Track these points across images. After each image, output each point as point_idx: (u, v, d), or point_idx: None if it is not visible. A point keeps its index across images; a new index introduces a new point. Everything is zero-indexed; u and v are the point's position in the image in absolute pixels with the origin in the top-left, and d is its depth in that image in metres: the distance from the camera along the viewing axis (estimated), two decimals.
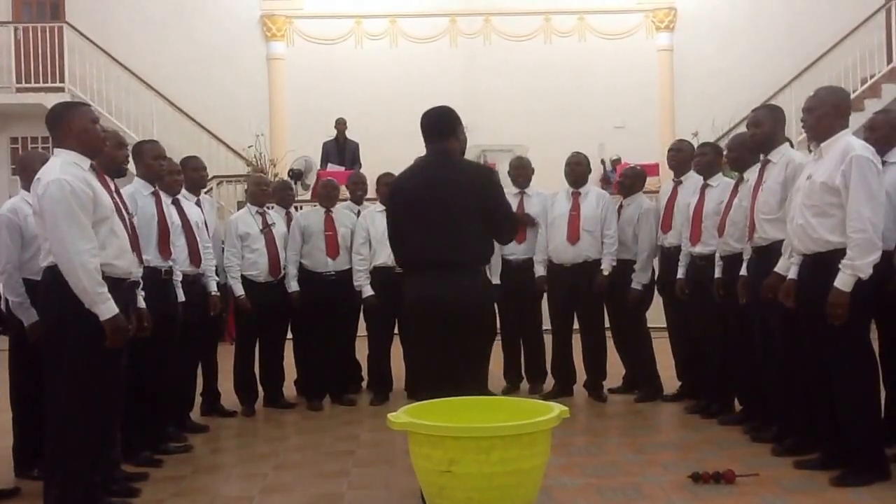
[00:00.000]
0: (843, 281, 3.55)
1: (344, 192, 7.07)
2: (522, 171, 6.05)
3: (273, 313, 5.74)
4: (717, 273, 4.86)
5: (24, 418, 4.13)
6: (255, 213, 5.78)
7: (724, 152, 4.97)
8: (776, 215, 4.15)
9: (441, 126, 3.64)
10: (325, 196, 6.02)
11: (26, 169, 4.21)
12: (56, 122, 3.46)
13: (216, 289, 5.28)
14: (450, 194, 3.49)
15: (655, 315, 5.87)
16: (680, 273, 5.28)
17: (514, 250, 5.88)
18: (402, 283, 5.67)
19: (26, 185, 4.19)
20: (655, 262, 5.76)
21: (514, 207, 5.42)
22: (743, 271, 4.49)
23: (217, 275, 5.43)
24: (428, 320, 3.50)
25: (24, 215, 4.07)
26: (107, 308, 3.27)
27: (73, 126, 3.43)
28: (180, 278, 4.74)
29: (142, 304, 3.88)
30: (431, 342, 3.54)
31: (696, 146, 5.61)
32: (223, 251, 5.83)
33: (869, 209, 3.55)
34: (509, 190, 5.42)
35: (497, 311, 4.84)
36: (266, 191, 5.92)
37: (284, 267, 5.78)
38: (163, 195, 4.72)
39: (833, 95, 3.86)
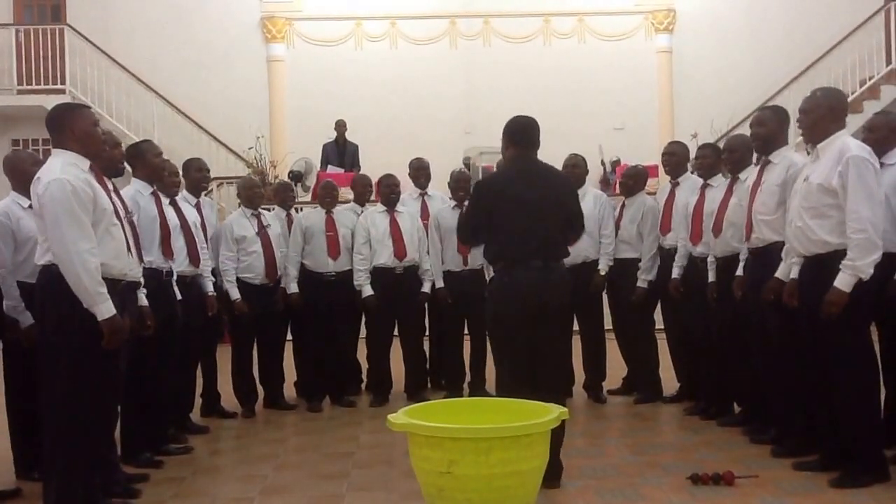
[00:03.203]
0: (844, 281, 3.56)
1: (345, 194, 7.08)
2: None
3: (270, 315, 5.72)
4: (711, 277, 4.87)
5: (22, 420, 4.13)
6: (250, 216, 5.75)
7: (724, 154, 4.96)
8: (774, 216, 4.16)
9: (535, 137, 3.96)
10: (325, 197, 6.01)
11: (16, 170, 4.19)
12: (58, 124, 3.46)
13: (212, 289, 5.29)
14: (546, 199, 3.85)
15: (657, 316, 5.88)
16: (675, 273, 5.31)
17: None
18: (401, 283, 5.80)
19: (16, 187, 4.18)
20: None
21: None
22: (739, 272, 4.50)
23: (215, 276, 5.44)
24: (529, 315, 3.72)
25: (16, 218, 4.05)
26: (105, 308, 3.28)
27: (75, 128, 3.44)
28: (175, 278, 4.74)
29: (144, 302, 3.89)
30: (521, 333, 3.74)
31: (695, 147, 5.62)
32: None
33: (868, 209, 3.55)
34: None
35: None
36: (259, 192, 5.87)
37: (283, 268, 5.78)
38: (161, 196, 4.73)
39: (829, 97, 3.87)
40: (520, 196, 3.81)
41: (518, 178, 3.89)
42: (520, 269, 3.77)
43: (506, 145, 3.99)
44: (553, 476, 3.65)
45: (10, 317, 3.99)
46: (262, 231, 5.71)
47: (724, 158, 4.95)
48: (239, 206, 5.96)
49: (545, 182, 3.91)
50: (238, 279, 5.62)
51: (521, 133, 3.95)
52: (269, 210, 6.15)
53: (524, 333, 3.74)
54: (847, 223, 3.58)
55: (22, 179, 4.07)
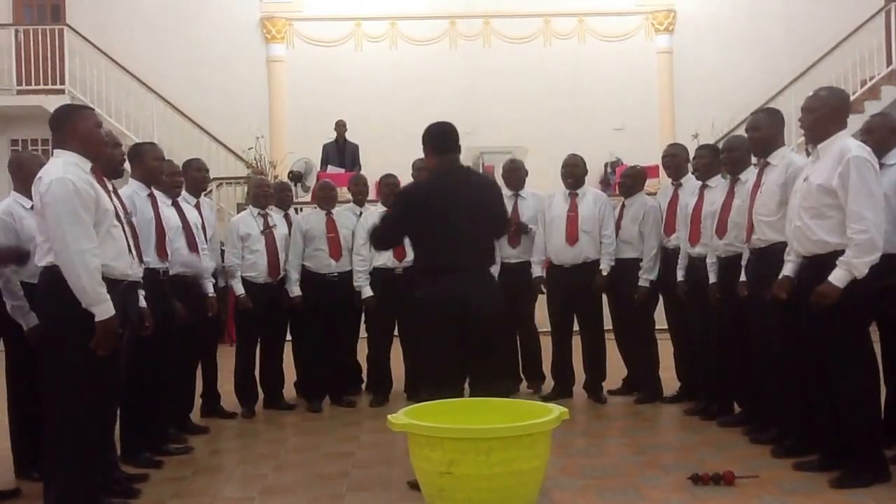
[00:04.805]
0: (838, 276, 3.57)
1: (345, 194, 7.08)
2: (515, 174, 6.07)
3: (272, 314, 5.75)
4: (712, 278, 4.86)
5: (22, 420, 4.13)
6: (257, 215, 5.78)
7: (722, 154, 4.96)
8: (775, 217, 4.16)
9: (455, 140, 3.94)
10: (324, 198, 6.02)
11: (21, 169, 4.19)
12: (61, 124, 3.46)
13: (213, 290, 5.29)
14: (472, 203, 3.81)
15: (657, 316, 5.88)
16: (679, 276, 5.31)
17: (509, 254, 5.89)
18: (402, 283, 5.79)
19: (19, 187, 4.17)
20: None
21: (510, 210, 5.44)
22: (742, 277, 4.49)
23: (215, 277, 5.45)
24: (450, 320, 3.69)
25: (19, 217, 4.05)
26: (104, 309, 3.27)
27: (78, 129, 3.45)
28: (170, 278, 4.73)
29: (143, 303, 3.89)
30: (452, 341, 3.71)
31: (695, 148, 5.62)
32: (222, 253, 5.85)
33: (870, 209, 3.56)
34: (503, 192, 5.43)
35: None
36: (268, 192, 5.94)
37: (284, 269, 5.78)
38: (161, 197, 4.74)
39: (833, 97, 3.87)
40: (445, 206, 3.76)
41: (443, 188, 3.84)
42: (445, 278, 3.73)
43: (427, 153, 3.95)
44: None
45: (12, 316, 3.98)
46: (268, 230, 5.73)
47: (722, 158, 4.95)
48: (242, 205, 6.00)
49: (470, 188, 3.87)
50: (242, 278, 5.65)
51: (443, 139, 3.90)
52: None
53: (451, 343, 3.71)
54: (848, 223, 3.58)
55: (27, 180, 4.06)
